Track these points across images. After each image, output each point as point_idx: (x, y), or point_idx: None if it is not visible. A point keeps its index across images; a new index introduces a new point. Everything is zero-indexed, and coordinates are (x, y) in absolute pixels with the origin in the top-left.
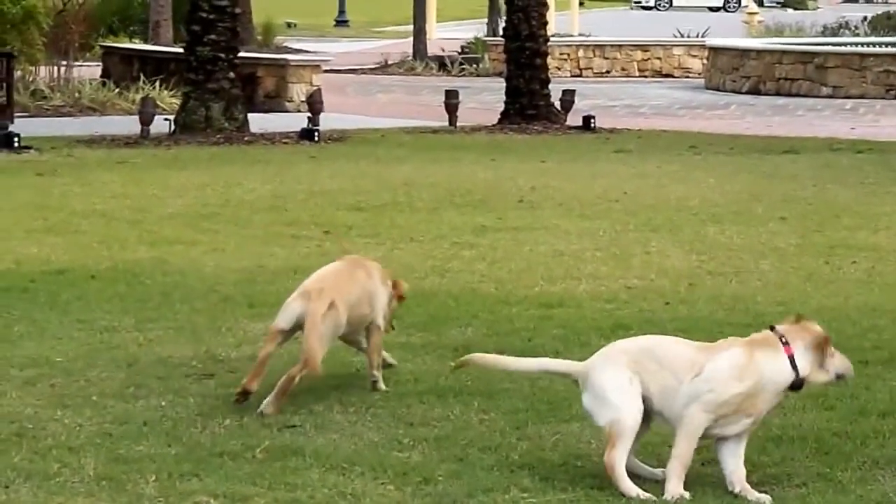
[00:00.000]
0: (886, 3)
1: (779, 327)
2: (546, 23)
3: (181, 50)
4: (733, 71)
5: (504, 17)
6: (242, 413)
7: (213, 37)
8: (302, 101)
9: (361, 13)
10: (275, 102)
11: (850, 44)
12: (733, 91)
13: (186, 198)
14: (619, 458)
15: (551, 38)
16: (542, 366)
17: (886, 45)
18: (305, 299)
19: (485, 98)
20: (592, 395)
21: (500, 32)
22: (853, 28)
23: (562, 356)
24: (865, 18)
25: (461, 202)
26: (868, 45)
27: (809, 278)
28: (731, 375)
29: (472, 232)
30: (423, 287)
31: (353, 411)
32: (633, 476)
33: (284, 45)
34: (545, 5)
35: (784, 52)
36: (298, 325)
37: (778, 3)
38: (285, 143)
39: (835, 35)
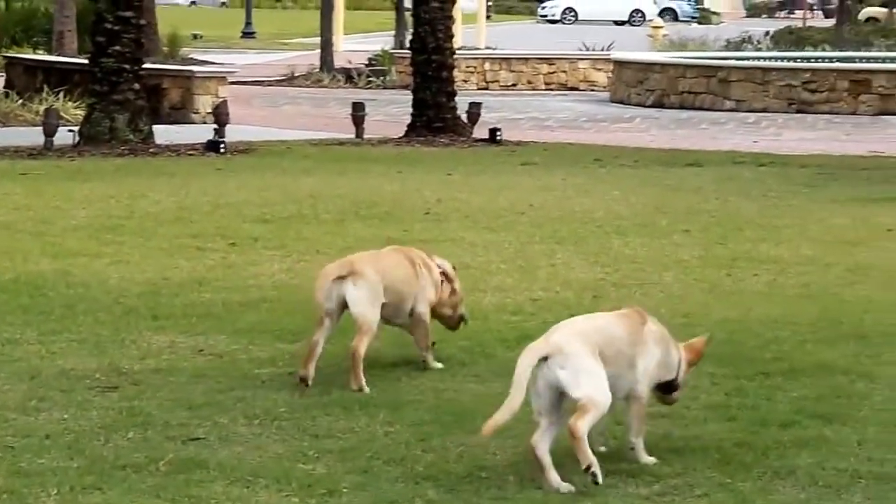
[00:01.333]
0: (789, 18)
1: None
2: (452, 36)
3: (86, 61)
4: (638, 84)
5: (411, 30)
6: (146, 426)
7: (117, 48)
8: (208, 113)
9: (268, 25)
10: (180, 114)
11: (753, 58)
12: (638, 104)
13: (91, 209)
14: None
15: (458, 51)
16: (521, 380)
17: (788, 59)
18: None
19: (391, 110)
20: (572, 370)
21: (407, 45)
22: (756, 43)
23: (467, 368)
24: (768, 33)
25: (367, 214)
26: (770, 59)
27: (712, 290)
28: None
29: (378, 244)
30: None
31: (257, 423)
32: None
33: (190, 56)
34: (452, 18)
35: (688, 65)
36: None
37: (693, 17)
38: (191, 154)
39: (738, 49)
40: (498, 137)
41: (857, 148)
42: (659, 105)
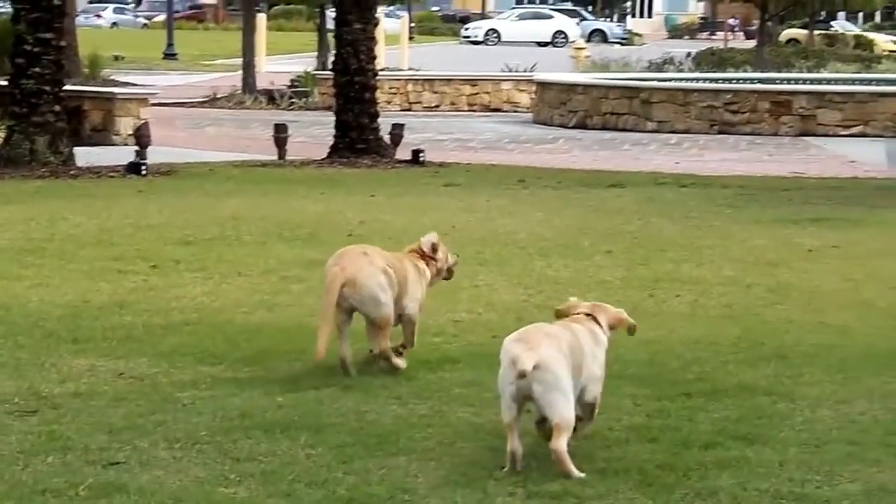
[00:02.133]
0: (710, 39)
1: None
2: (375, 57)
3: (5, 83)
4: (561, 105)
5: (333, 52)
6: (65, 450)
7: (37, 69)
8: (129, 135)
9: (190, 46)
10: (101, 136)
11: (675, 79)
12: (561, 125)
13: (11, 232)
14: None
15: (381, 72)
16: (508, 400)
17: (710, 80)
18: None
19: (314, 132)
20: (545, 386)
21: (330, 66)
22: (678, 64)
23: (389, 390)
24: (690, 54)
25: (290, 236)
26: (692, 80)
27: (634, 311)
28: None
29: (301, 266)
30: (251, 322)
31: (178, 447)
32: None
33: (112, 78)
34: (374, 40)
35: (610, 87)
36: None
37: (623, 39)
38: (112, 176)
39: (660, 70)
40: (421, 159)
41: (779, 169)
42: (582, 126)
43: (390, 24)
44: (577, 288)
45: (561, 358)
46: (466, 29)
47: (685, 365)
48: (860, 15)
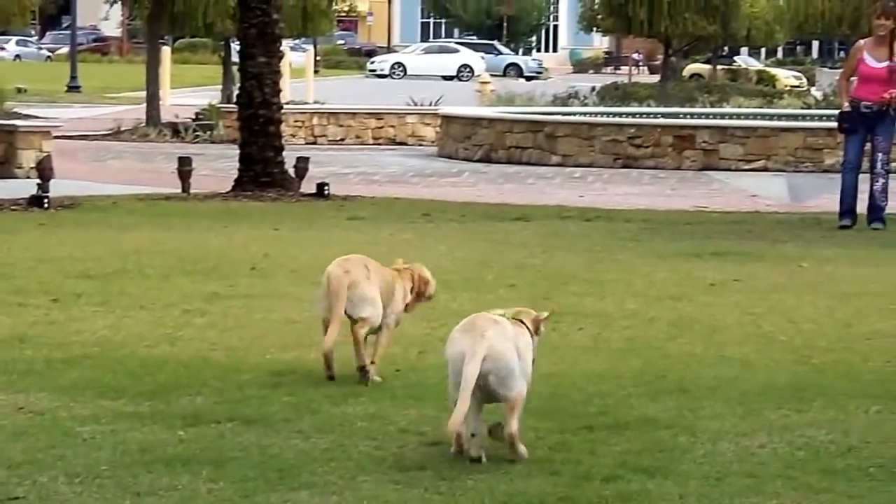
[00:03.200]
0: (615, 73)
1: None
2: (280, 90)
3: None
4: (466, 139)
5: (238, 84)
6: None
7: None
8: (31, 168)
9: (94, 79)
10: (3, 169)
11: (580, 113)
12: (466, 159)
13: None
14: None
15: (286, 106)
16: (468, 381)
17: (614, 114)
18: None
19: (219, 165)
20: (499, 373)
21: (235, 99)
22: (582, 98)
23: (292, 424)
24: (594, 89)
25: (193, 269)
26: (596, 114)
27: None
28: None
29: (204, 299)
30: (153, 355)
31: (78, 482)
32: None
33: (14, 110)
34: (279, 73)
35: (515, 120)
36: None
37: (538, 73)
38: (13, 210)
39: (564, 104)
40: (326, 192)
41: (682, 203)
42: (487, 160)
43: (296, 57)
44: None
45: (508, 343)
46: (372, 62)
47: (587, 398)
48: (763, 50)
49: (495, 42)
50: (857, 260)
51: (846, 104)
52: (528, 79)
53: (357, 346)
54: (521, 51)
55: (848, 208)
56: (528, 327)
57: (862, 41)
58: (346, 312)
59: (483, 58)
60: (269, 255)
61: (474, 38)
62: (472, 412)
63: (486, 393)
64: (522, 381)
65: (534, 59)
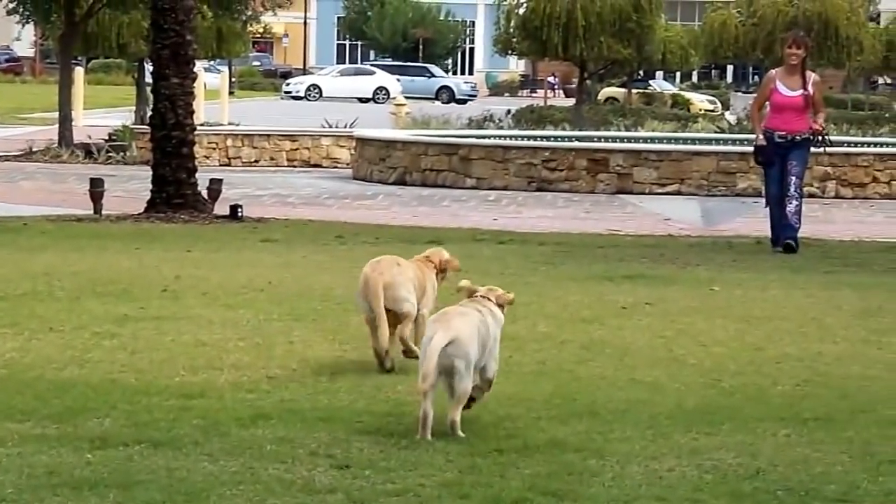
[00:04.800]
0: (531, 96)
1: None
2: (193, 111)
3: None
4: (380, 161)
5: (151, 106)
6: None
7: None
8: None
9: (6, 100)
10: None
11: (495, 136)
12: (380, 181)
13: None
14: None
15: (200, 127)
16: (434, 349)
17: (529, 137)
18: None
19: (131, 186)
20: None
21: (148, 120)
22: (498, 121)
23: (200, 447)
24: (509, 112)
25: (103, 291)
26: (511, 137)
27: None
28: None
29: (114, 321)
30: (62, 378)
31: None
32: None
33: None
34: (192, 94)
35: (430, 143)
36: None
37: (471, 95)
38: None
39: (480, 127)
40: (239, 214)
41: (595, 226)
42: (401, 182)
43: (211, 78)
44: (392, 344)
45: (473, 335)
46: (288, 84)
47: (498, 421)
48: (678, 74)
49: (428, 65)
50: (768, 284)
51: (761, 137)
52: (461, 102)
53: (403, 342)
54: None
55: (778, 239)
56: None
57: (773, 71)
58: (386, 308)
59: (414, 81)
60: (181, 276)
61: (389, 59)
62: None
63: (444, 372)
64: (469, 381)
65: (466, 82)
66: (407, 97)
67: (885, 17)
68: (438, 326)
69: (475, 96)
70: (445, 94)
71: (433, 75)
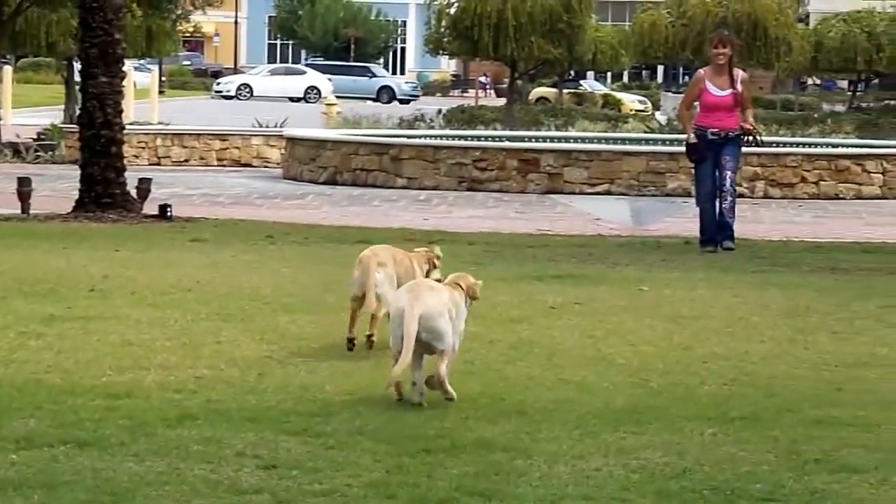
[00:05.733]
0: (462, 96)
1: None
2: (121, 111)
3: None
4: (311, 161)
5: (80, 105)
6: None
7: None
8: None
9: None
10: None
11: (425, 136)
12: (311, 181)
13: None
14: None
15: (129, 126)
16: (409, 337)
17: (459, 137)
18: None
19: (60, 186)
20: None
21: (76, 120)
22: (429, 121)
23: (126, 447)
24: (440, 111)
25: (30, 291)
26: (442, 137)
27: (377, 367)
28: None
29: (40, 321)
30: None
31: None
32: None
33: None
34: (121, 93)
35: (360, 143)
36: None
37: (413, 96)
38: None
39: (411, 127)
40: (168, 213)
41: (525, 226)
42: (332, 182)
43: (141, 77)
44: (320, 344)
45: (443, 304)
46: (218, 83)
47: (425, 421)
48: (609, 75)
49: (370, 65)
50: (697, 283)
51: (692, 135)
52: (403, 102)
53: (353, 320)
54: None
55: (710, 237)
56: (464, 291)
57: (702, 71)
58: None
59: (355, 81)
60: (109, 276)
61: (320, 59)
62: (414, 365)
63: (422, 346)
64: (451, 336)
65: (408, 82)
66: (348, 97)
67: (813, 18)
68: (408, 298)
69: (417, 97)
70: (386, 95)
71: (374, 75)
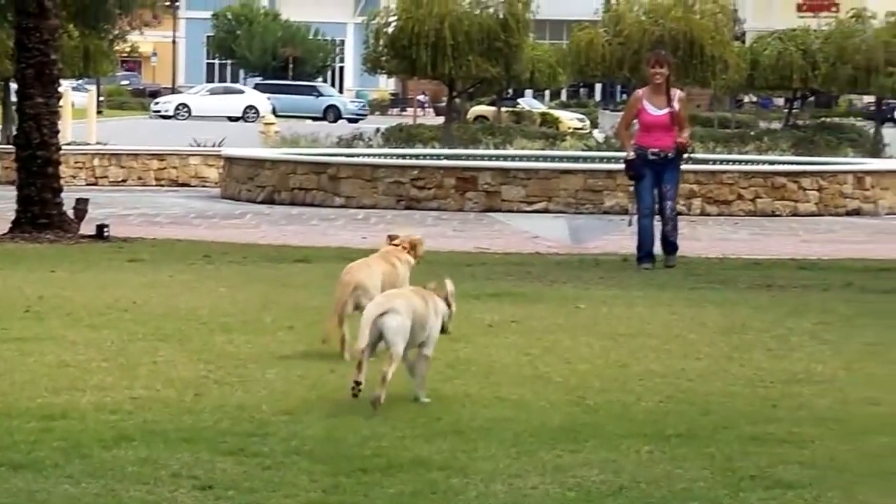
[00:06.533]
0: (401, 115)
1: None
2: (58, 131)
3: None
4: (249, 181)
5: (17, 125)
6: None
7: None
8: None
9: None
10: None
11: (364, 155)
12: (249, 200)
13: None
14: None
15: (67, 147)
16: (367, 321)
17: (398, 156)
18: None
19: None
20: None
21: (13, 140)
22: (367, 140)
23: (61, 468)
24: (379, 130)
25: None
26: (380, 156)
27: (315, 387)
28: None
29: None
30: None
31: None
32: None
33: None
34: (58, 114)
35: (299, 162)
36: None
37: (360, 115)
38: None
39: (350, 146)
40: (105, 234)
41: (464, 244)
42: (270, 201)
43: (78, 97)
44: (257, 363)
45: (406, 310)
46: (157, 103)
47: (362, 440)
48: (547, 93)
49: (316, 84)
50: (634, 301)
51: (631, 153)
52: (351, 121)
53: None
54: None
55: (647, 252)
56: (443, 299)
57: (640, 90)
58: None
59: (302, 100)
60: (45, 297)
61: (259, 78)
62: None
63: (377, 339)
64: (402, 345)
65: (353, 101)
66: (295, 116)
67: (749, 37)
68: (379, 299)
69: (365, 115)
70: (333, 114)
71: (321, 94)
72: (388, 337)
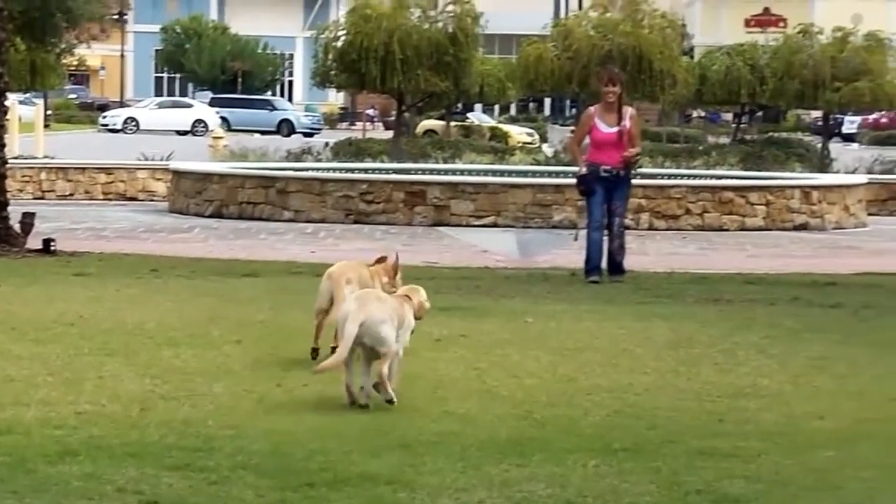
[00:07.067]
0: (350, 129)
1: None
2: (5, 144)
3: None
4: (197, 195)
5: None
6: None
7: None
8: None
9: None
10: None
11: (312, 169)
12: (197, 214)
13: None
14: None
15: (13, 161)
16: (347, 339)
17: (346, 170)
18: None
19: None
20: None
21: None
22: (316, 154)
23: (6, 484)
24: (328, 144)
25: None
26: (329, 170)
27: (261, 401)
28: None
29: None
30: None
31: None
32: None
33: None
34: (4, 127)
35: (247, 176)
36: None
37: (315, 129)
38: None
39: (298, 160)
40: (52, 248)
41: (412, 258)
42: (218, 215)
43: (25, 111)
44: (204, 378)
45: (386, 313)
46: (105, 117)
47: (309, 454)
48: (496, 107)
49: (271, 98)
50: (582, 315)
51: (583, 168)
52: (307, 135)
53: (318, 331)
54: None
55: (595, 265)
56: (413, 303)
57: (592, 108)
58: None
59: (256, 114)
60: None
61: (209, 93)
62: (361, 369)
63: (367, 351)
64: (394, 340)
65: (308, 115)
66: (248, 130)
67: (698, 52)
68: (353, 306)
69: (320, 129)
70: (286, 128)
71: (275, 108)
72: (376, 346)
